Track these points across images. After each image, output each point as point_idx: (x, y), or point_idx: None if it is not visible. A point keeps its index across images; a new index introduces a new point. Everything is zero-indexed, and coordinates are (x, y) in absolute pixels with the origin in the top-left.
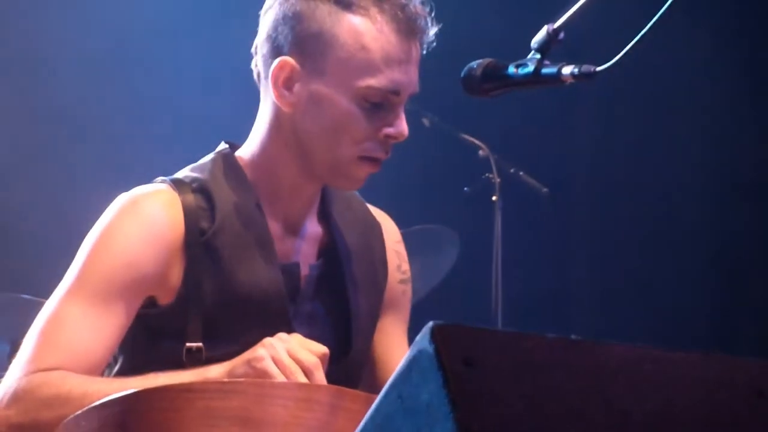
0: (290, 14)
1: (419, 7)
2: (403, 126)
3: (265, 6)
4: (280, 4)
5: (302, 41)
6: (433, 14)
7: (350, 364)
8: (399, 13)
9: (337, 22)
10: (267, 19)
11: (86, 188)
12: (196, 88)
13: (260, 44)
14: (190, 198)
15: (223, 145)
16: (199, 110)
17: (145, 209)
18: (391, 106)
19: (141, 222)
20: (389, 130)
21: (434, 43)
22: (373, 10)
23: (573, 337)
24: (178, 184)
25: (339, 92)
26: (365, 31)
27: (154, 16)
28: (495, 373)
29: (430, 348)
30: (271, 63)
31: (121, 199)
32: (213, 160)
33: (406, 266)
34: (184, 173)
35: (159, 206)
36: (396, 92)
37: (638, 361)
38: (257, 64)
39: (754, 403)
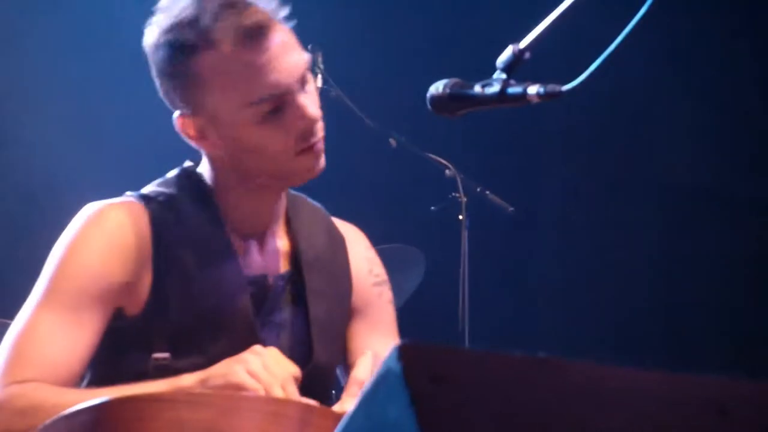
0: (160, 72)
1: (256, 8)
2: (310, 111)
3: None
4: (152, 57)
5: (183, 95)
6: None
7: (313, 373)
8: (237, 26)
9: (196, 66)
10: (152, 68)
11: (50, 203)
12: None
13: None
14: (157, 211)
15: (187, 162)
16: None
17: (112, 220)
18: (289, 102)
19: (108, 232)
20: (299, 123)
21: (293, 20)
22: (215, 38)
23: (540, 354)
24: (144, 198)
25: (239, 122)
26: (218, 60)
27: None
28: (462, 391)
29: (397, 366)
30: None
31: (88, 210)
32: (178, 175)
33: (378, 269)
34: (151, 188)
35: (126, 217)
36: (281, 91)
37: (603, 379)
38: None
39: (717, 421)
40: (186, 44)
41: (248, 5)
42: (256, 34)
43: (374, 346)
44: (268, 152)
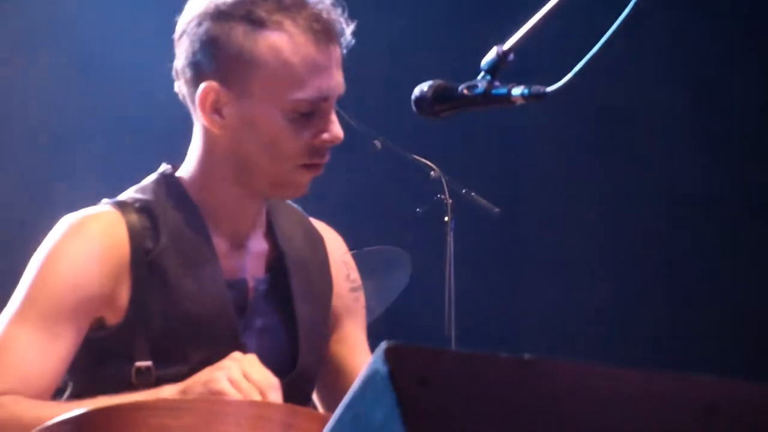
0: (206, 39)
1: (333, 12)
2: (336, 130)
3: (178, 30)
4: (195, 29)
5: (223, 65)
6: (345, 14)
7: (298, 377)
8: (313, 21)
9: (255, 42)
10: (183, 44)
11: (29, 208)
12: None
13: (181, 69)
14: (134, 218)
15: (164, 166)
16: (140, 129)
17: (90, 230)
18: (322, 112)
19: (87, 243)
20: (325, 136)
21: (353, 41)
22: (288, 24)
23: (526, 356)
24: (121, 206)
25: (269, 110)
26: (283, 46)
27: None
28: (448, 392)
29: (383, 368)
30: (196, 88)
31: (66, 221)
32: (155, 180)
33: (355, 274)
34: (128, 195)
35: (104, 227)
36: (325, 99)
37: (590, 380)
38: (181, 88)
39: (706, 420)
40: (254, 19)
41: (329, 7)
42: (327, 36)
43: (357, 351)
44: (279, 151)
